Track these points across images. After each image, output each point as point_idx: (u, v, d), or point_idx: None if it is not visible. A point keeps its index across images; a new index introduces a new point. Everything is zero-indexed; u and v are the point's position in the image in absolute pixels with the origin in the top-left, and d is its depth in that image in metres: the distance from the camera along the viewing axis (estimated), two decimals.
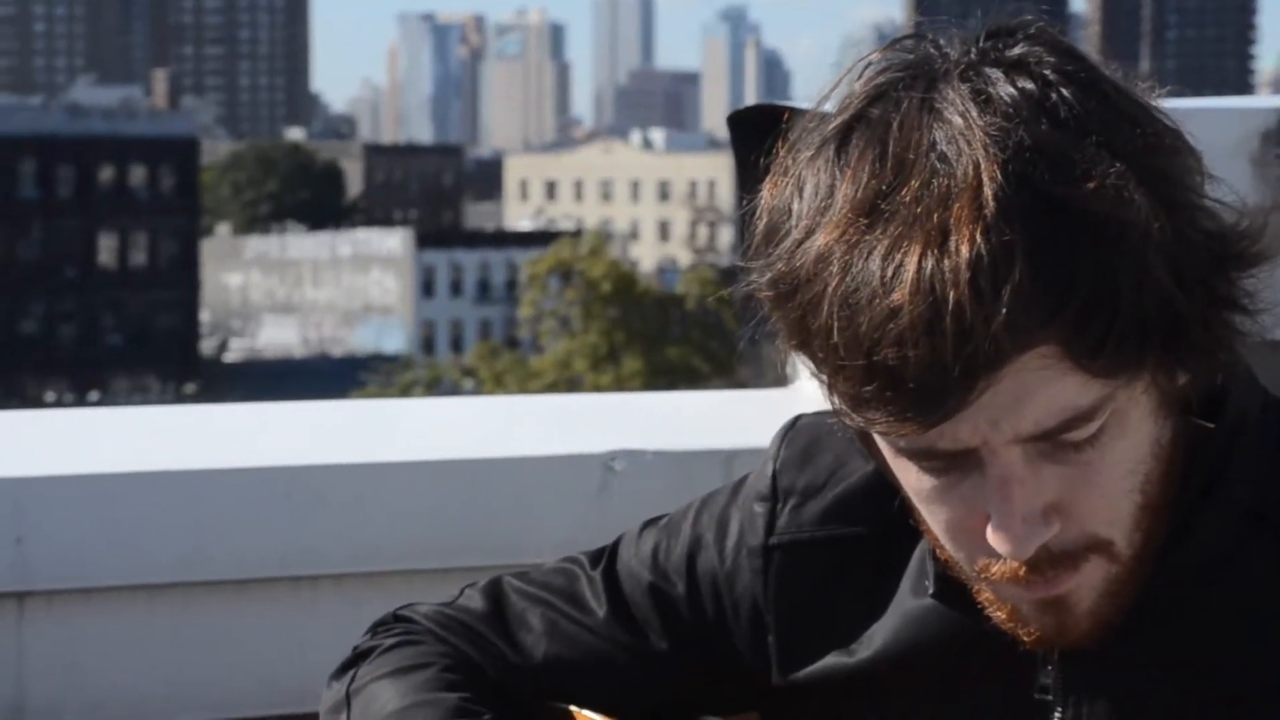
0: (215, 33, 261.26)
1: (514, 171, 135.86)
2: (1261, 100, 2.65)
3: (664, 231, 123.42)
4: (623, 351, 52.52)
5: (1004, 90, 1.50)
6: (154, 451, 2.52)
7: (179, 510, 2.40)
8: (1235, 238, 1.54)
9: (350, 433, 2.72)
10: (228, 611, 2.43)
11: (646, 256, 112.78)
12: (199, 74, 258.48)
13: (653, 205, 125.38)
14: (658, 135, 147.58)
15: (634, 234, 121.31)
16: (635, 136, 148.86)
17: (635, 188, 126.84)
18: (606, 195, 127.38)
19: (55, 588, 2.37)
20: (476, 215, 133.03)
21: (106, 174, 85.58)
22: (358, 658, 1.80)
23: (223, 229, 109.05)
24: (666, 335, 53.54)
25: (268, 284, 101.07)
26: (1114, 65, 1.58)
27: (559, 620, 1.80)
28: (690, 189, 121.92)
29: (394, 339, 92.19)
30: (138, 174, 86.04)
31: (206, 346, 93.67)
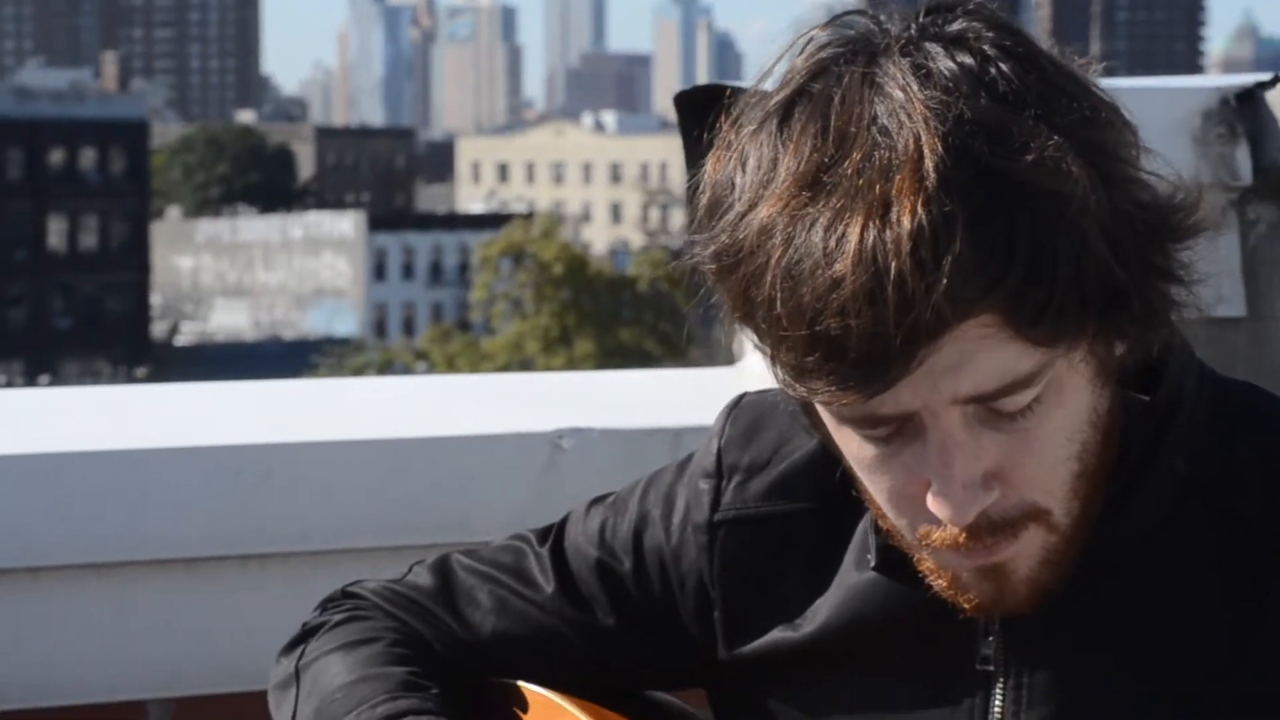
0: (165, 15, 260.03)
1: (466, 154, 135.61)
2: (1203, 80, 2.67)
3: (616, 214, 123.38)
4: (575, 334, 52.53)
5: (944, 65, 1.52)
6: (101, 431, 2.52)
7: (127, 489, 2.39)
8: (1170, 210, 1.56)
9: (298, 412, 2.72)
10: (176, 590, 2.43)
11: (599, 239, 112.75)
12: (149, 56, 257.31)
13: (605, 188, 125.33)
14: (609, 118, 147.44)
15: (586, 216, 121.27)
16: (587, 119, 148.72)
17: (587, 170, 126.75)
18: (558, 178, 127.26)
19: (3, 567, 2.37)
20: (428, 198, 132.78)
21: (56, 157, 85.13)
22: (306, 633, 1.81)
23: (173, 212, 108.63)
24: (618, 317, 53.56)
25: (219, 267, 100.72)
26: (1050, 41, 1.59)
27: (507, 596, 1.81)
28: (642, 171, 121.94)
29: (346, 322, 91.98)
30: (88, 157, 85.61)
31: (157, 330, 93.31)
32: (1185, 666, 1.59)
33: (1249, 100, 2.56)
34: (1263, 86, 2.56)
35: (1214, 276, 2.55)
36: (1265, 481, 1.61)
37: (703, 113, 1.66)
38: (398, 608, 1.82)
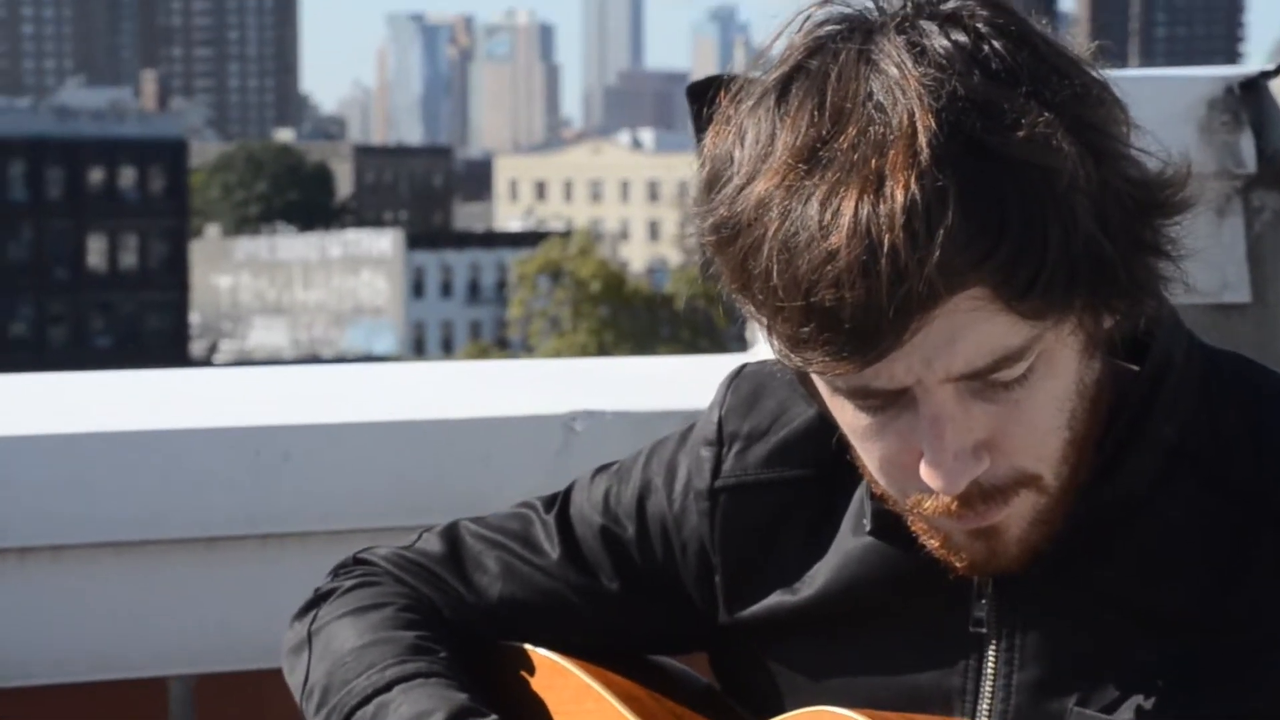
0: (204, 34, 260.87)
1: (504, 172, 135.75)
2: (1208, 69, 2.70)
3: (654, 231, 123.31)
4: (612, 351, 52.58)
5: (938, 42, 1.55)
6: (124, 412, 2.56)
7: (148, 469, 2.44)
8: (1158, 186, 1.60)
9: (317, 395, 2.76)
10: (196, 569, 2.48)
11: (636, 256, 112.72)
12: (188, 75, 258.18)
13: (642, 205, 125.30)
14: (647, 135, 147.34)
15: (624, 234, 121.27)
16: (624, 137, 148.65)
17: (625, 188, 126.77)
18: (596, 195, 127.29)
19: (27, 545, 2.42)
20: (466, 216, 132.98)
21: (96, 176, 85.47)
22: (319, 599, 1.86)
23: (212, 230, 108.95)
24: (656, 335, 53.63)
25: (257, 285, 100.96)
26: (1044, 20, 1.63)
27: (513, 562, 1.85)
28: (680, 189, 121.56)
29: (384, 340, 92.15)
30: (127, 176, 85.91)
31: (196, 348, 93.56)
32: (1171, 627, 1.62)
33: (1253, 89, 2.59)
34: (1266, 76, 2.59)
35: (1219, 263, 2.59)
36: (1253, 449, 1.65)
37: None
38: (407, 573, 1.86)
